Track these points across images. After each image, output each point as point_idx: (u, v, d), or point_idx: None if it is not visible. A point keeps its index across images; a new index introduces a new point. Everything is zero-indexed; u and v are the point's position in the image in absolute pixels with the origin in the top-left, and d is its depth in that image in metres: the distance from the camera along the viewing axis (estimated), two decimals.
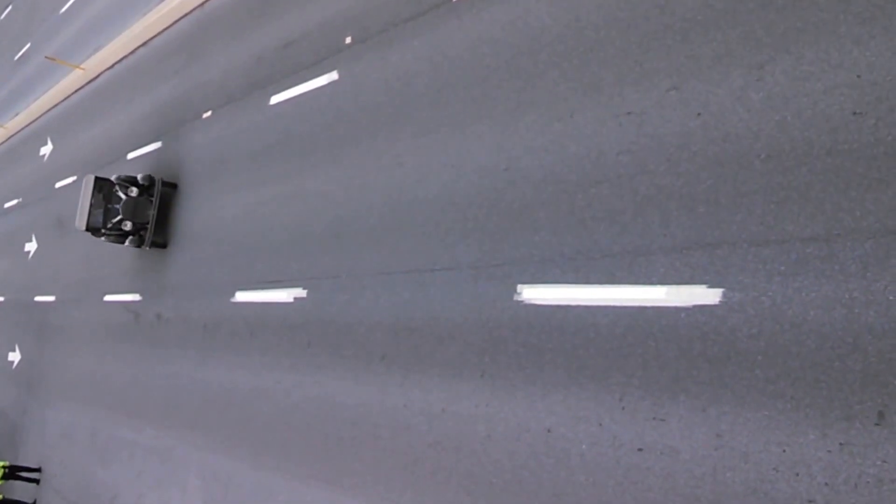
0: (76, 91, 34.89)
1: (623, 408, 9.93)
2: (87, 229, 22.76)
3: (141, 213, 22.41)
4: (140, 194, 22.54)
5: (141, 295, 24.08)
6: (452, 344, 12.58)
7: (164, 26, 27.27)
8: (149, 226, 22.53)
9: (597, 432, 10.19)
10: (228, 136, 20.81)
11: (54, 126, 36.70)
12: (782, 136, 8.89)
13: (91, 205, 22.64)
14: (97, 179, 22.81)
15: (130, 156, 27.00)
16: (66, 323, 30.09)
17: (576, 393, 10.52)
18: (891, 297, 7.85)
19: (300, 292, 16.52)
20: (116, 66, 31.09)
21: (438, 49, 14.15)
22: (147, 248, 22.84)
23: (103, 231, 22.76)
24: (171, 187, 22.88)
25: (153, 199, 22.61)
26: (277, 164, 18.38)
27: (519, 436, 11.21)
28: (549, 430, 10.79)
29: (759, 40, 9.29)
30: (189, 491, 19.28)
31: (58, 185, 33.89)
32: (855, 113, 8.36)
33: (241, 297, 18.72)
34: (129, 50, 29.85)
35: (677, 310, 9.56)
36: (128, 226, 22.34)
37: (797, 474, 8.26)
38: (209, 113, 22.15)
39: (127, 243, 22.63)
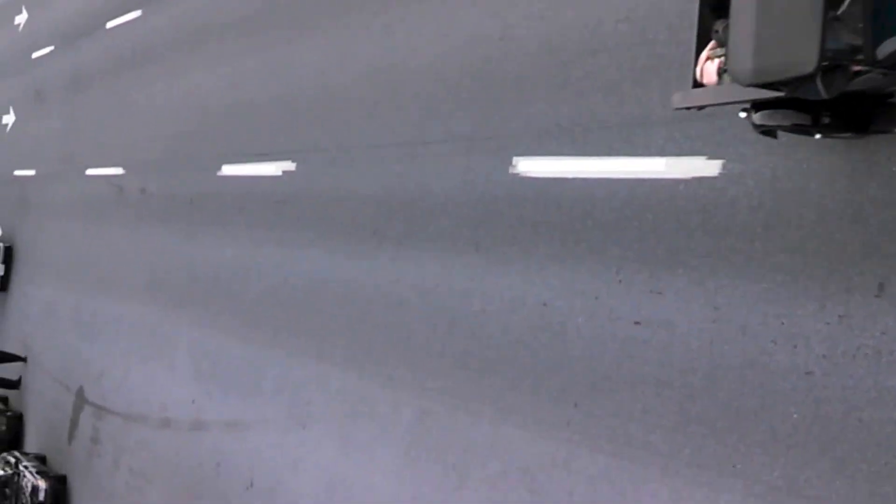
0: None
1: (620, 281, 9.87)
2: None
3: None
4: None
5: (124, 168, 23.81)
6: (446, 218, 12.46)
7: None
8: None
9: (593, 306, 10.15)
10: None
11: None
12: None
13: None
14: None
15: (109, 25, 26.42)
16: (48, 198, 29.85)
17: (572, 266, 10.45)
18: (894, 168, 7.73)
19: (289, 165, 16.30)
20: None
21: None
22: None
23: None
24: None
25: None
26: (260, 36, 18.00)
27: (514, 310, 11.18)
28: (544, 304, 10.75)
29: None
30: (177, 366, 19.34)
31: (35, 55, 33.23)
32: None
33: (228, 170, 18.49)
34: None
35: (676, 182, 9.44)
36: None
37: (795, 346, 8.24)
38: None
39: None
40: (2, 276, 31.41)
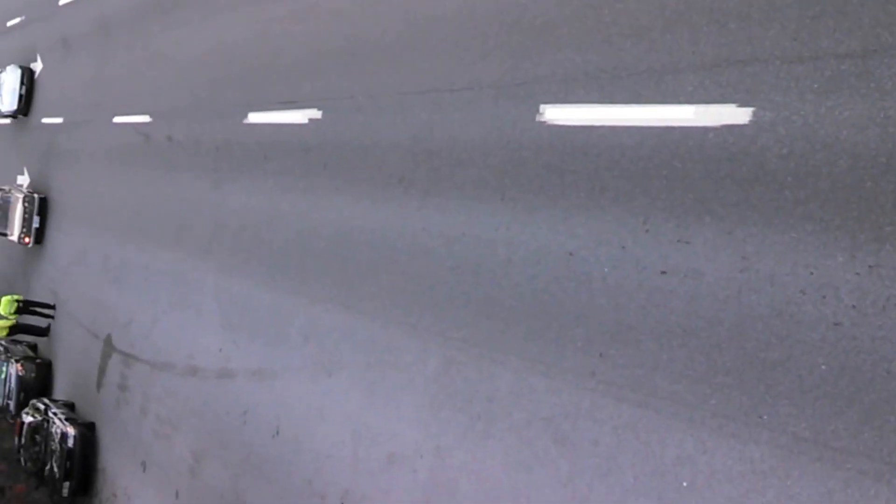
0: None
1: (647, 230, 9.78)
2: None
3: None
4: None
5: (151, 116, 23.81)
6: (472, 166, 12.38)
7: None
8: None
9: (619, 255, 10.08)
10: None
11: None
12: None
13: None
14: None
15: None
16: (75, 145, 29.90)
17: (598, 215, 10.37)
18: None
19: (315, 113, 16.23)
20: None
21: None
22: None
23: None
24: None
25: None
26: None
27: (540, 259, 11.12)
28: (570, 254, 10.68)
29: None
30: (204, 314, 19.41)
31: (61, 2, 33.20)
32: None
33: (255, 118, 18.44)
34: None
35: (705, 130, 9.32)
36: None
37: (824, 297, 8.16)
38: None
39: None
40: (38, 229, 30.62)
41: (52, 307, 29.02)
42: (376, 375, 13.84)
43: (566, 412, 10.53)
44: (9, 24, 40.48)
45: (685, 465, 9.15)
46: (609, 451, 9.97)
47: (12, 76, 33.99)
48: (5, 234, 31.10)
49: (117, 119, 26.15)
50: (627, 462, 9.76)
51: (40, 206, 30.57)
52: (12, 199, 30.81)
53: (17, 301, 28.98)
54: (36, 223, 30.51)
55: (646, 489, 9.53)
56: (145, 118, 24.08)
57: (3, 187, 32.08)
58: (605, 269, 10.21)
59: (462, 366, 12.17)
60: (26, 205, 30.37)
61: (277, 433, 16.08)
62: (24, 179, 33.28)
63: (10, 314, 28.64)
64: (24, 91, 33.83)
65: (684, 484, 9.14)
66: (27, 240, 30.43)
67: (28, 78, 34.03)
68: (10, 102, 34.01)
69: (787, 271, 8.44)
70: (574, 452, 10.39)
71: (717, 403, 8.91)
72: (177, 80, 22.71)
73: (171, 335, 20.96)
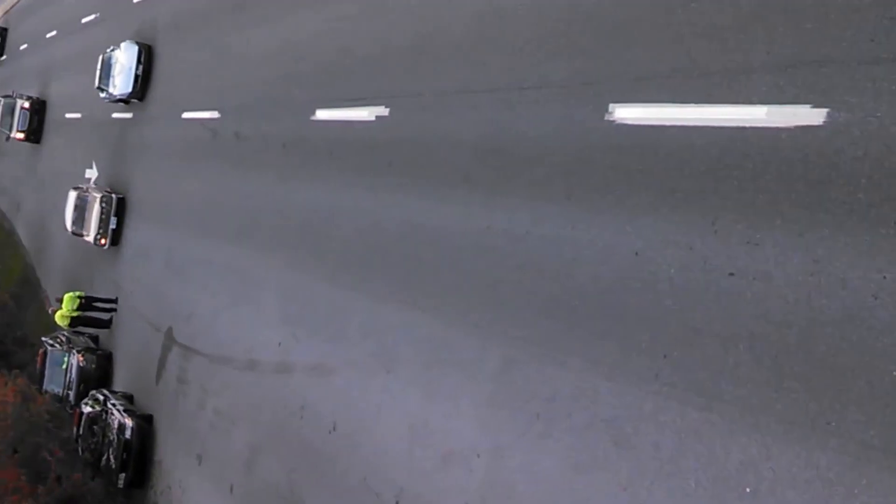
0: None
1: (716, 231, 9.64)
2: None
3: None
4: None
5: (219, 112, 23.99)
6: (539, 165, 12.30)
7: None
8: None
9: (687, 256, 9.93)
10: None
11: None
12: None
13: None
14: None
15: None
16: (144, 140, 30.24)
17: (666, 216, 10.23)
18: None
19: (382, 111, 16.25)
20: None
21: None
22: None
23: None
24: None
25: None
26: None
27: (605, 259, 11.00)
28: (636, 254, 10.56)
29: None
30: (265, 309, 19.50)
31: (136, 0, 33.63)
32: None
33: (322, 115, 18.51)
34: None
35: (778, 130, 9.16)
36: None
37: None
38: None
39: None
40: (114, 230, 29.76)
41: (115, 301, 29.32)
42: (435, 373, 13.80)
43: (628, 414, 10.40)
44: (84, 20, 41.08)
45: (749, 471, 8.99)
46: (671, 455, 9.82)
47: (127, 54, 30.22)
48: (81, 235, 30.76)
49: (186, 115, 26.41)
50: (689, 466, 9.61)
51: (118, 207, 29.89)
52: (89, 199, 30.37)
53: (80, 297, 29.32)
54: (113, 224, 29.73)
55: (707, 494, 9.37)
56: (214, 114, 24.28)
57: (81, 186, 32.19)
58: (672, 271, 10.08)
59: (523, 365, 12.09)
60: (103, 205, 29.80)
61: (334, 429, 16.09)
62: (92, 173, 33.65)
63: (72, 310, 28.98)
64: (140, 71, 29.83)
65: (748, 490, 8.97)
66: (103, 241, 29.88)
67: (146, 56, 30.00)
68: (123, 85, 30.41)
69: (859, 275, 8.26)
70: (635, 455, 10.26)
71: (783, 409, 8.73)
72: (246, 77, 22.89)
73: (231, 329, 21.10)
